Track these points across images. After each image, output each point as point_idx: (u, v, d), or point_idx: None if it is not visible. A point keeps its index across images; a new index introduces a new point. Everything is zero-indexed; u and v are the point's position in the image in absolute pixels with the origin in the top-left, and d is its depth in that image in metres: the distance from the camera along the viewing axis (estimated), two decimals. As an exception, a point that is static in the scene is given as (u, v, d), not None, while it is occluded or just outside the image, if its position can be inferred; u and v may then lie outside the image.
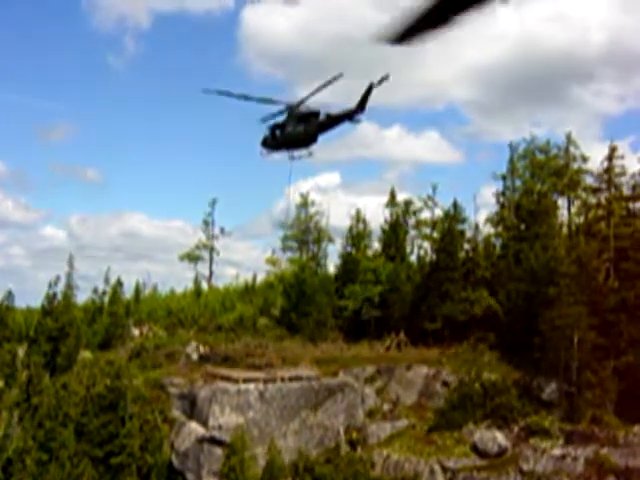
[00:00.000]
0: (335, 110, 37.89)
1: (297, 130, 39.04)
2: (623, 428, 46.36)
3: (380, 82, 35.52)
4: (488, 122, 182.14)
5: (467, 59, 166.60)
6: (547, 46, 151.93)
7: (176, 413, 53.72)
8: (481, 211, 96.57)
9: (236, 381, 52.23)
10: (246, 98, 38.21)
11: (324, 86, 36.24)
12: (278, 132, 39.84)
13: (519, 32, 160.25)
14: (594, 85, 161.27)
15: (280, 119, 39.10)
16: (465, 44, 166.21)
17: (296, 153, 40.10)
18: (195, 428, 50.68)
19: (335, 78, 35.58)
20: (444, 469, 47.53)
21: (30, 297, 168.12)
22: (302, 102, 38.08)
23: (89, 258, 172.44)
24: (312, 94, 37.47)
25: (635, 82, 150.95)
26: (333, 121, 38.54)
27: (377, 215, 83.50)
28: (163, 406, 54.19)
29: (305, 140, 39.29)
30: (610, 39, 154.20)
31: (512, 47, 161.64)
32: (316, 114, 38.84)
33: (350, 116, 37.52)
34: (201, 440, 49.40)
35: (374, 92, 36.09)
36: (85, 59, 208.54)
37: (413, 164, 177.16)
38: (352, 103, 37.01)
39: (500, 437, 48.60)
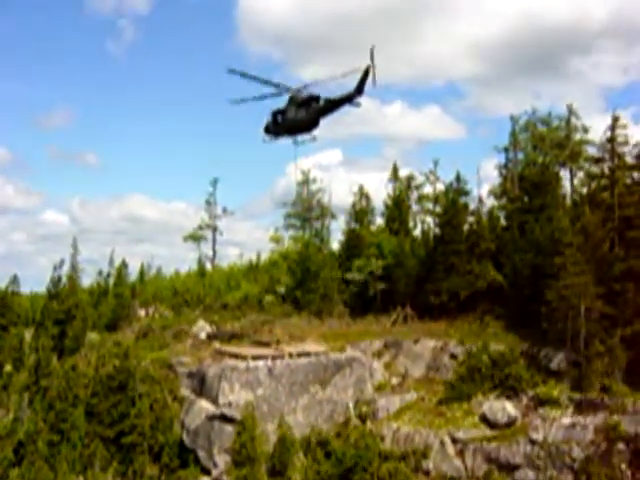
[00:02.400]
0: (334, 94, 38.10)
1: (299, 115, 39.19)
2: (632, 396, 46.37)
3: (372, 59, 35.63)
4: (489, 96, 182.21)
5: (467, 34, 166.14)
6: (548, 19, 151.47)
7: (185, 392, 53.95)
8: (484, 185, 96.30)
9: (245, 358, 52.41)
10: (263, 82, 38.40)
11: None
12: (280, 118, 39.94)
13: (519, 5, 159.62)
14: (595, 57, 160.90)
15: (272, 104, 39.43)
16: (465, 19, 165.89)
17: (299, 137, 40.26)
18: (205, 406, 50.89)
19: (367, 72, 35.66)
20: (454, 440, 47.72)
21: (33, 282, 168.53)
22: (305, 87, 38.24)
23: (91, 242, 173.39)
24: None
25: (637, 54, 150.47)
26: (333, 105, 38.76)
27: (379, 192, 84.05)
28: (172, 385, 54.45)
29: (307, 125, 39.46)
30: (611, 11, 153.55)
31: (512, 21, 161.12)
32: (316, 99, 39.00)
33: (350, 99, 37.71)
34: (211, 418, 49.61)
35: (374, 69, 36.15)
36: (83, 44, 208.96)
37: (415, 140, 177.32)
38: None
39: (509, 407, 48.75)
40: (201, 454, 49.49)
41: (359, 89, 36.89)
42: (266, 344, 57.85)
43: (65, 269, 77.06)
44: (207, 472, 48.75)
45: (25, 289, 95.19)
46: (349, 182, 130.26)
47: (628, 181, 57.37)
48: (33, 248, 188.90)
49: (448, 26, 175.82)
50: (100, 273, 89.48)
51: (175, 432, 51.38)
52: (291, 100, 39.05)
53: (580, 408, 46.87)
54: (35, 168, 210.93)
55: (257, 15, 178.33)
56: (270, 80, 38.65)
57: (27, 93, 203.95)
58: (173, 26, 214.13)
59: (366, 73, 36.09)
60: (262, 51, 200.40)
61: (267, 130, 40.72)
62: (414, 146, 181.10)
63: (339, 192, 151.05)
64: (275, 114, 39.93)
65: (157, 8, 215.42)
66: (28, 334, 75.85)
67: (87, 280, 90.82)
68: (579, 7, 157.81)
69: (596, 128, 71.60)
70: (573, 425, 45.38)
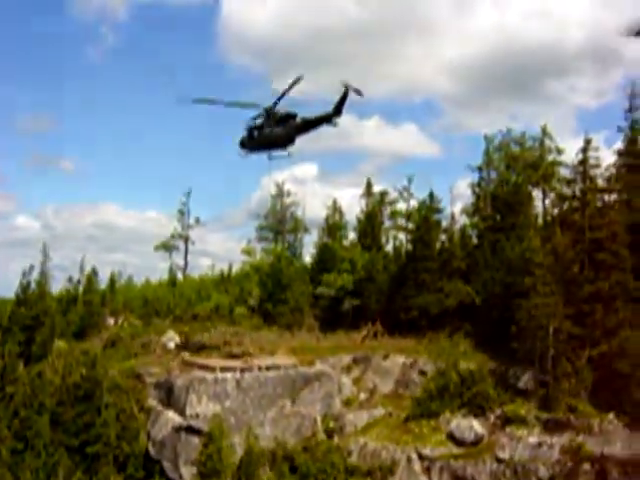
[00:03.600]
0: (312, 113, 38.21)
1: (275, 132, 39.23)
2: (598, 416, 46.86)
3: (356, 92, 35.87)
4: (465, 115, 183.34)
5: (446, 53, 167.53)
6: (525, 41, 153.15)
7: (153, 402, 53.56)
8: (457, 203, 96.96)
9: (213, 370, 52.17)
10: (227, 104, 38.38)
11: (288, 90, 36.52)
12: (256, 133, 39.95)
13: (497, 27, 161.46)
14: (571, 80, 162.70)
15: (257, 121, 39.37)
16: (445, 38, 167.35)
17: (274, 153, 40.32)
18: (172, 417, 50.61)
19: (296, 81, 35.85)
20: (421, 457, 47.79)
21: (2, 287, 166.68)
22: (275, 104, 38.27)
23: (64, 248, 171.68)
24: (280, 97, 37.72)
25: (611, 77, 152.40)
26: (310, 124, 38.83)
27: (353, 207, 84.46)
28: (139, 395, 54.02)
29: (283, 141, 39.48)
30: (588, 34, 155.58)
31: (490, 42, 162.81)
32: (293, 116, 39.05)
33: (328, 119, 37.80)
34: (178, 429, 49.34)
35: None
36: (62, 50, 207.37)
37: (391, 156, 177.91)
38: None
39: (477, 425, 48.96)
40: (167, 465, 49.14)
41: (337, 110, 37.01)
42: (236, 356, 57.63)
43: (35, 275, 76.43)
44: (172, 484, 48.45)
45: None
46: (324, 196, 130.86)
47: (599, 204, 57.98)
48: (3, 253, 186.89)
49: (428, 44, 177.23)
50: (70, 280, 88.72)
51: (141, 442, 50.95)
52: (268, 116, 39.04)
53: (547, 427, 47.24)
54: (8, 172, 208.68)
55: (238, 27, 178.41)
56: (234, 101, 38.64)
57: (3, 97, 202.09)
58: (153, 35, 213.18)
59: (345, 95, 36.24)
60: (243, 62, 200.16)
61: (242, 145, 40.63)
62: (390, 162, 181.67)
63: (314, 206, 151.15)
64: (251, 129, 39.88)
65: (138, 16, 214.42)
66: (-6, 340, 75.07)
67: (57, 287, 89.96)
68: (556, 30, 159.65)
69: (570, 150, 72.34)
70: (539, 444, 45.72)
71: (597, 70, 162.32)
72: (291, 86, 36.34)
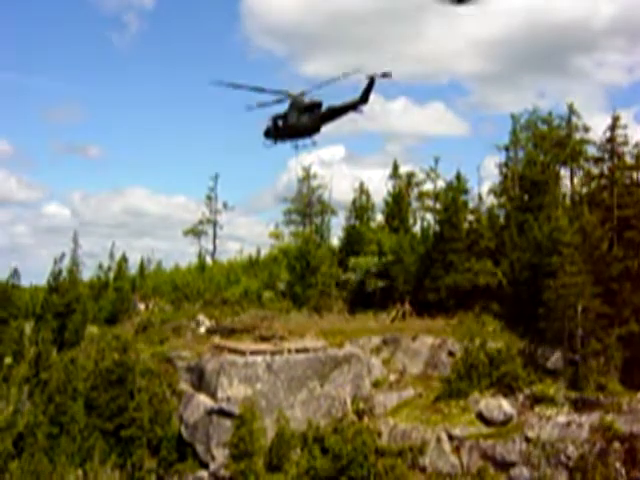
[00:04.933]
0: (338, 101, 38.13)
1: (300, 121, 39.15)
2: (627, 395, 46.85)
3: (383, 76, 35.74)
4: (493, 93, 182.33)
5: (471, 32, 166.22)
6: (552, 16, 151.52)
7: (184, 386, 54.28)
8: (485, 182, 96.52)
9: (243, 353, 52.70)
10: (253, 89, 38.36)
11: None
12: (280, 122, 39.94)
13: (524, 3, 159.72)
14: (600, 55, 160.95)
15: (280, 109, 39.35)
16: (469, 17, 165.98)
17: (300, 142, 40.29)
18: (203, 400, 51.25)
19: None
20: (450, 437, 48.01)
21: (34, 275, 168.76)
22: (304, 93, 38.26)
23: (92, 235, 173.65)
24: (320, 86, 37.65)
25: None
26: (336, 112, 38.69)
27: (381, 188, 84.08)
28: (171, 379, 54.79)
29: (308, 130, 39.41)
30: (617, 9, 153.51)
31: (517, 18, 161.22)
32: (319, 105, 38.97)
33: (354, 107, 37.70)
34: (210, 412, 49.96)
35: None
36: (88, 38, 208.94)
37: (418, 137, 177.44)
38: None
39: (505, 405, 49.08)
40: (199, 448, 49.85)
41: (364, 98, 36.90)
42: (265, 339, 58.14)
43: (66, 262, 77.42)
44: (205, 466, 49.11)
45: (26, 282, 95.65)
46: (352, 178, 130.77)
47: (627, 181, 57.65)
48: (34, 241, 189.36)
49: (452, 23, 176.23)
50: (100, 267, 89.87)
51: (173, 426, 51.74)
52: (293, 105, 38.98)
53: (576, 407, 47.22)
54: (38, 161, 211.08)
55: (262, 10, 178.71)
56: (260, 87, 38.58)
57: (32, 86, 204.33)
58: (178, 20, 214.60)
59: (372, 82, 36.17)
60: (266, 46, 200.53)
61: (267, 134, 40.63)
62: (417, 143, 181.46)
63: (341, 188, 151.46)
64: (276, 119, 39.83)
65: (162, 2, 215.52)
66: (28, 327, 76.25)
67: (87, 274, 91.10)
68: (584, 5, 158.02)
69: (599, 127, 71.83)
70: (568, 423, 45.69)
71: (627, 46, 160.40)
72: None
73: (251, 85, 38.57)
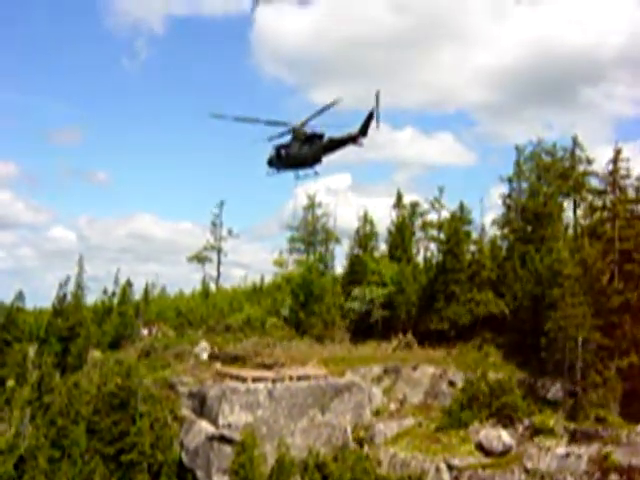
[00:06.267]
0: (339, 134, 38.91)
1: (302, 151, 39.99)
2: (626, 427, 47.03)
3: (377, 101, 36.51)
4: (500, 124, 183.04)
5: (479, 62, 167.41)
6: (560, 48, 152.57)
7: (186, 412, 54.48)
8: (490, 213, 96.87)
9: (245, 380, 53.00)
10: (253, 121, 39.19)
11: (322, 111, 37.31)
12: (283, 152, 40.76)
13: (531, 34, 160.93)
14: (607, 87, 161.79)
15: (285, 140, 40.15)
16: (478, 47, 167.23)
17: (301, 172, 41.09)
18: (205, 426, 51.47)
19: (333, 103, 36.62)
20: (450, 467, 48.20)
21: (38, 298, 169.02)
22: (304, 124, 39.06)
23: (98, 259, 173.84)
24: (312, 117, 38.51)
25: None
26: (336, 144, 39.56)
27: (387, 217, 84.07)
28: (173, 405, 54.96)
29: (310, 161, 40.23)
30: (624, 41, 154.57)
31: (525, 49, 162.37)
32: (320, 136, 39.84)
33: (353, 139, 38.53)
34: (211, 438, 50.19)
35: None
36: (98, 63, 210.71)
37: (425, 166, 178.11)
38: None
39: (505, 436, 49.33)
40: (200, 474, 50.03)
41: (363, 130, 37.72)
42: (267, 367, 58.40)
43: (70, 286, 77.77)
44: (205, 492, 49.32)
45: (30, 305, 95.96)
46: (357, 206, 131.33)
47: (629, 214, 58.06)
48: (40, 264, 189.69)
49: (461, 53, 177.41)
50: (105, 292, 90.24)
51: (174, 451, 51.92)
52: (295, 136, 39.81)
53: (575, 438, 47.49)
54: (45, 184, 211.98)
55: (271, 37, 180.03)
56: (260, 119, 39.41)
57: (40, 109, 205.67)
58: (188, 47, 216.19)
59: (370, 115, 36.98)
60: (276, 73, 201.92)
61: (270, 163, 41.45)
62: (424, 172, 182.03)
63: (347, 216, 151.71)
64: (279, 148, 40.68)
65: (173, 29, 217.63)
66: (32, 350, 76.50)
67: (92, 298, 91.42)
68: (592, 37, 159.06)
69: (605, 159, 71.97)
70: (567, 455, 45.94)
71: (635, 77, 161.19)
72: (324, 109, 37.13)
73: (251, 117, 39.45)
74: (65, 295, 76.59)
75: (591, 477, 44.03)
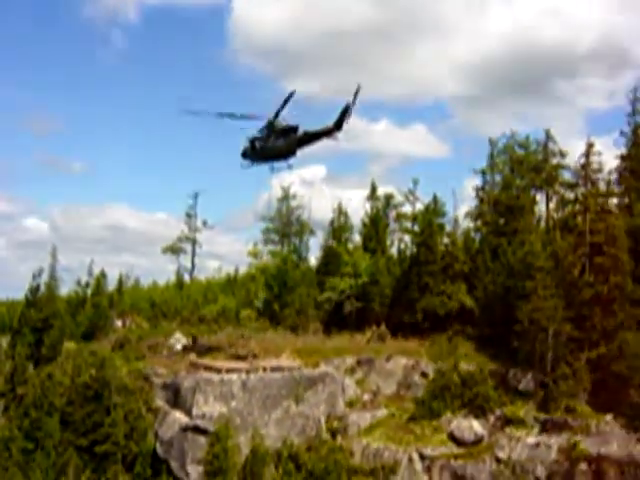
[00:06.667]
0: (314, 127, 39.19)
1: (277, 144, 40.25)
2: (595, 417, 47.89)
3: (355, 96, 36.81)
4: (475, 116, 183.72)
5: (455, 55, 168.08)
6: (535, 41, 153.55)
7: (160, 403, 54.53)
8: (464, 205, 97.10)
9: (219, 371, 53.18)
10: (226, 116, 39.37)
11: (283, 105, 37.56)
12: (258, 145, 40.95)
13: (507, 28, 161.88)
14: (581, 81, 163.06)
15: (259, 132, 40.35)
16: (454, 40, 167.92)
17: (276, 164, 41.33)
18: (179, 417, 51.60)
19: (290, 96, 36.88)
20: (422, 457, 48.74)
21: (10, 289, 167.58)
22: (276, 117, 39.28)
23: (72, 250, 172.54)
24: (279, 110, 38.73)
25: (622, 79, 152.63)
26: (311, 137, 39.89)
27: (362, 208, 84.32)
28: (147, 396, 54.96)
29: (284, 153, 40.49)
30: (599, 35, 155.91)
31: (500, 42, 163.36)
32: (295, 129, 40.09)
33: (328, 133, 38.83)
34: (185, 429, 50.31)
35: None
36: (73, 52, 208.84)
37: (400, 158, 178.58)
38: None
39: (477, 426, 49.96)
40: (174, 464, 50.12)
41: (338, 124, 38.09)
42: (241, 358, 58.59)
43: (44, 277, 77.32)
44: (179, 482, 49.53)
45: (2, 295, 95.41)
46: (332, 198, 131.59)
47: (599, 208, 58.75)
48: (12, 254, 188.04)
49: (438, 46, 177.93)
50: (79, 283, 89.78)
51: (149, 442, 51.98)
52: (270, 129, 40.02)
53: (545, 428, 48.25)
54: (19, 174, 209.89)
55: (248, 28, 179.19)
56: (230, 112, 39.58)
57: (14, 98, 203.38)
58: (164, 36, 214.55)
59: (346, 110, 37.30)
60: (252, 64, 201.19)
61: (244, 155, 41.66)
62: (399, 164, 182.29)
63: (322, 208, 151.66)
64: (253, 141, 40.89)
65: (149, 18, 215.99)
66: (4, 341, 75.99)
67: (65, 289, 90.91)
68: (567, 30, 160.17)
69: (579, 152, 72.78)
70: (538, 444, 46.75)
71: (608, 71, 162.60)
72: (286, 101, 37.41)
73: (225, 112, 39.65)
74: (38, 286, 75.98)
75: (561, 466, 44.90)
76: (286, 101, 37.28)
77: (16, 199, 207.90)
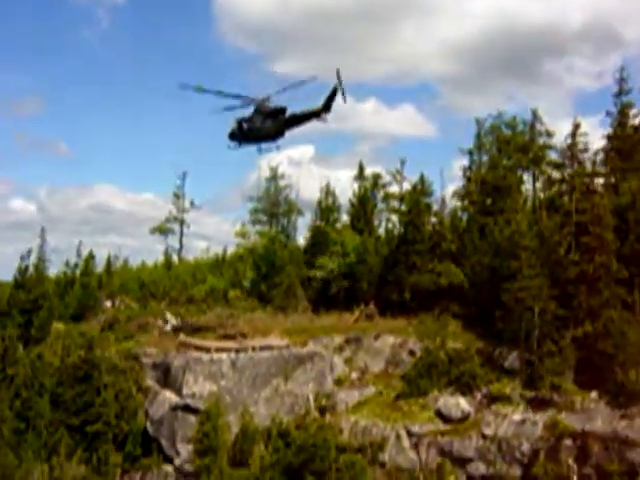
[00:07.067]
0: (301, 109, 39.34)
1: (265, 125, 40.36)
2: (580, 394, 48.54)
3: (338, 80, 36.96)
4: (463, 97, 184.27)
5: (443, 34, 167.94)
6: (523, 21, 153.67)
7: (150, 382, 55.03)
8: (452, 185, 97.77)
9: (208, 350, 53.68)
10: (219, 94, 39.46)
11: (292, 86, 37.66)
12: (245, 126, 41.09)
13: (495, 7, 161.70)
14: (569, 61, 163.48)
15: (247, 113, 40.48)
16: (442, 19, 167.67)
17: (263, 146, 41.50)
18: (169, 396, 52.12)
19: (304, 81, 37.02)
20: (410, 434, 49.30)
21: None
22: (268, 99, 39.44)
23: (58, 231, 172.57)
24: (278, 92, 38.84)
25: (611, 59, 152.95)
26: (300, 119, 40.03)
27: (350, 188, 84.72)
28: (137, 376, 55.45)
29: (272, 135, 40.65)
30: (587, 15, 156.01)
31: (488, 22, 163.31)
32: (283, 110, 40.22)
33: (317, 115, 38.98)
34: (175, 408, 50.85)
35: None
36: (58, 33, 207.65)
37: (388, 138, 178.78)
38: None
39: (463, 403, 50.56)
40: (164, 443, 50.66)
41: (326, 106, 38.18)
42: (230, 337, 59.02)
43: (32, 259, 77.39)
44: (170, 461, 49.98)
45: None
46: (320, 178, 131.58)
47: (584, 188, 59.25)
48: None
49: (425, 25, 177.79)
50: (67, 264, 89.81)
51: (139, 421, 52.47)
52: (258, 110, 40.16)
53: (531, 405, 48.89)
54: (4, 156, 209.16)
55: (233, 7, 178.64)
56: (226, 91, 39.67)
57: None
58: (149, 17, 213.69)
59: (334, 92, 37.42)
60: (238, 44, 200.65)
61: (232, 137, 41.77)
62: (387, 144, 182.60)
63: (310, 188, 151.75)
64: (241, 122, 41.00)
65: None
66: (-7, 323, 76.17)
67: (53, 270, 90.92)
68: (555, 10, 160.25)
69: (566, 132, 73.23)
70: (523, 421, 47.39)
71: (596, 52, 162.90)
72: (296, 84, 37.46)
73: (216, 90, 39.75)
74: (27, 267, 76.16)
75: (546, 442, 45.48)
76: (294, 85, 37.35)
77: (1, 181, 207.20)
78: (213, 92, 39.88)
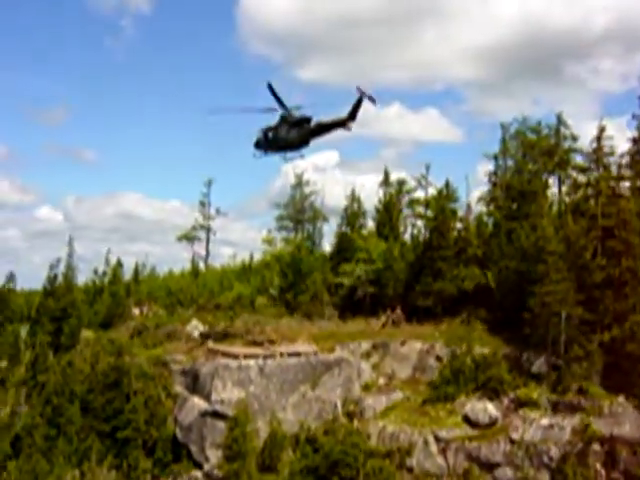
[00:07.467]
0: (327, 118, 39.71)
1: (290, 135, 40.73)
2: (608, 398, 48.33)
3: (370, 99, 37.31)
4: (488, 101, 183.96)
5: (467, 38, 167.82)
6: (548, 24, 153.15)
7: (179, 389, 55.62)
8: (477, 190, 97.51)
9: (237, 357, 54.07)
10: (246, 110, 40.03)
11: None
12: (271, 135, 41.53)
13: (519, 10, 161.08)
14: (594, 63, 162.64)
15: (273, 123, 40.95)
16: (465, 23, 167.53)
17: (288, 154, 41.91)
18: (198, 403, 52.61)
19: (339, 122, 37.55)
20: (437, 439, 49.42)
21: (25, 278, 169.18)
22: (289, 110, 39.86)
23: (85, 239, 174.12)
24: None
25: (636, 61, 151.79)
26: (325, 128, 40.30)
27: (375, 193, 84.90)
28: (166, 382, 56.10)
29: (297, 144, 41.00)
30: (612, 17, 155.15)
31: (512, 25, 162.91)
32: (308, 120, 40.55)
33: (342, 124, 39.28)
34: (204, 414, 51.33)
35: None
36: (84, 42, 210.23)
37: (412, 142, 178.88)
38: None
39: (491, 408, 50.57)
40: (193, 449, 51.23)
41: (352, 115, 38.42)
42: (258, 344, 59.41)
43: (61, 267, 78.38)
44: (199, 466, 50.57)
45: (17, 286, 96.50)
46: (345, 184, 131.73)
47: (610, 192, 59.03)
48: (26, 244, 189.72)
49: (448, 30, 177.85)
50: (95, 272, 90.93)
51: (169, 427, 53.10)
52: (283, 119, 40.53)
53: (558, 410, 48.79)
54: (32, 164, 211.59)
55: (258, 15, 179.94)
56: (249, 107, 40.28)
57: (27, 88, 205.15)
58: (174, 25, 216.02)
59: (359, 101, 37.69)
60: (262, 51, 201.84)
61: (257, 145, 42.20)
62: (412, 149, 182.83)
63: (335, 194, 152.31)
64: (266, 131, 41.45)
65: (159, 7, 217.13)
66: (24, 331, 77.29)
67: (81, 278, 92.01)
68: (580, 13, 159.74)
69: (591, 135, 72.98)
70: (551, 426, 47.29)
71: (622, 53, 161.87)
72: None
73: (243, 107, 40.25)
74: (56, 276, 77.26)
75: (574, 447, 45.37)
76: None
77: (29, 189, 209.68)
78: (239, 110, 40.48)
